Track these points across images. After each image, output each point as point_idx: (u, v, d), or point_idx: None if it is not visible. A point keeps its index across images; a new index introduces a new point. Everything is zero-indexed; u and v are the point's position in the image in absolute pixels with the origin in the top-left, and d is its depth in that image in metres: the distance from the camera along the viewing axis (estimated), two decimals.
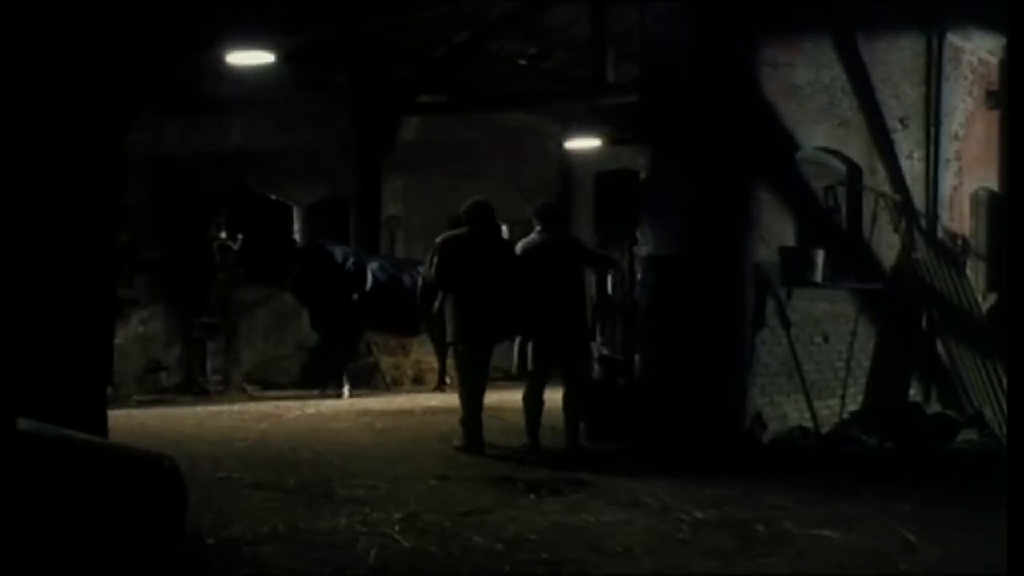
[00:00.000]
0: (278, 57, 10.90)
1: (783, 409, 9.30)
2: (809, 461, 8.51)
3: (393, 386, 13.87)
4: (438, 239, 8.45)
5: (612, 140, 14.12)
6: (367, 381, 13.63)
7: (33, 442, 3.79)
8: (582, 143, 15.20)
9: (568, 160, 17.10)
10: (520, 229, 16.10)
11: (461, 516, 6.11)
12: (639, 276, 8.88)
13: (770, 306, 9.08)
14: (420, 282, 8.50)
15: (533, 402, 8.38)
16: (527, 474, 7.49)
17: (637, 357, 8.88)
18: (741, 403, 8.81)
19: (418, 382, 14.22)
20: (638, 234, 8.89)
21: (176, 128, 12.30)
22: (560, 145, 15.94)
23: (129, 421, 9.78)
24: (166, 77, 10.95)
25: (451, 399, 12.47)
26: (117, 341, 11.73)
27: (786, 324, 9.15)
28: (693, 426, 8.35)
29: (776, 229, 9.28)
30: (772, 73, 9.22)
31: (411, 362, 14.51)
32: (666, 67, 8.57)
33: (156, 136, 11.72)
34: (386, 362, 14.16)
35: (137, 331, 12.26)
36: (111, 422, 9.51)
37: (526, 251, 8.41)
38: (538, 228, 8.48)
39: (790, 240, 9.47)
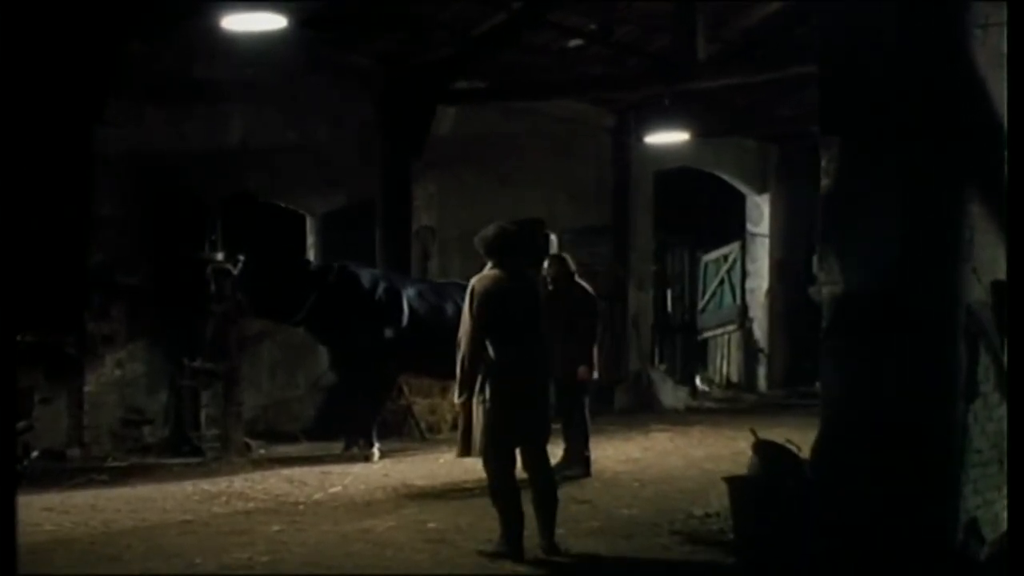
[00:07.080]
0: (290, 23, 9.25)
1: (995, 509, 6.82)
2: None
3: (428, 433, 12.14)
4: (476, 284, 6.90)
5: (700, 132, 11.90)
6: (398, 429, 12.01)
7: None
8: (664, 137, 13.04)
9: (624, 157, 15.76)
10: (569, 239, 14.58)
11: None
12: (824, 326, 6.51)
13: (982, 366, 6.61)
14: (460, 355, 6.81)
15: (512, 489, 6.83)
16: None
17: (812, 449, 6.45)
18: (953, 508, 6.36)
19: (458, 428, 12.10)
20: (817, 266, 6.55)
21: (160, 119, 10.98)
22: (638, 140, 13.95)
23: (88, 519, 7.66)
24: (148, 55, 10.49)
25: None
26: (88, 388, 10.52)
27: (1008, 391, 6.67)
28: (894, 544, 6.11)
29: (986, 256, 6.80)
30: (981, 37, 6.76)
31: (449, 404, 12.43)
32: (863, 32, 6.30)
33: (135, 129, 10.57)
34: (420, 405, 12.42)
35: (113, 375, 10.69)
36: (67, 513, 7.34)
37: (487, 295, 6.80)
38: (490, 263, 6.99)
39: (1001, 271, 6.97)
